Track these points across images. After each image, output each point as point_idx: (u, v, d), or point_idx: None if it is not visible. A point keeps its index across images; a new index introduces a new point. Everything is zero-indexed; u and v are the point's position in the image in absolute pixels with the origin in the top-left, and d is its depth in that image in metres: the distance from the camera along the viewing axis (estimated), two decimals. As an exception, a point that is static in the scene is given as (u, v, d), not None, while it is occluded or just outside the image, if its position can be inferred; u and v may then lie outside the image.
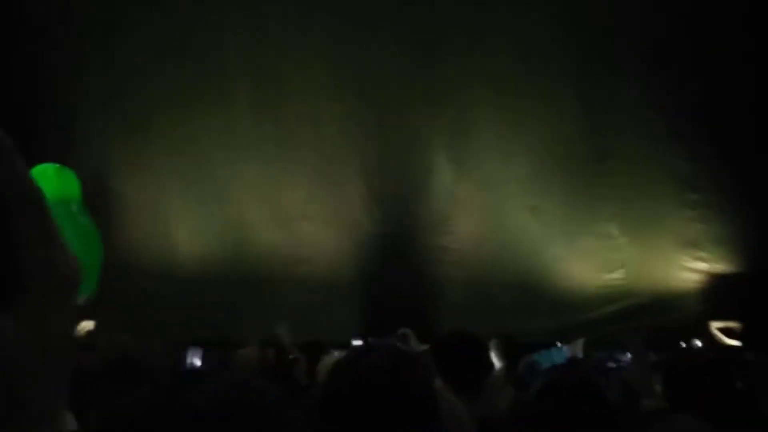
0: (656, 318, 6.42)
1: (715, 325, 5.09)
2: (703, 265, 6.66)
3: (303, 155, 7.07)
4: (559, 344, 4.50)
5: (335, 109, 7.07)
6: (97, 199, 6.45)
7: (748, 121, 6.41)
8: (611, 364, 3.68)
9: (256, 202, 7.09)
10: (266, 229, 7.01)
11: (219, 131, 7.08)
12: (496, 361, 3.86)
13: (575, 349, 3.86)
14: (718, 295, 6.36)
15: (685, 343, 5.22)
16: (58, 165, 2.22)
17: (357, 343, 5.32)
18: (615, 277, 6.81)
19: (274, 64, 7.00)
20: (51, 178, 2.20)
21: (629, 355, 3.53)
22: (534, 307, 6.76)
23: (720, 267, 6.61)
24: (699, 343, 5.17)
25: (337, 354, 4.18)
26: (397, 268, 6.86)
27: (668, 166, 6.79)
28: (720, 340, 4.88)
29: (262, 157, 7.09)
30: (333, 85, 7.06)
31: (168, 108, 7.03)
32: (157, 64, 6.93)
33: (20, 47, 6.60)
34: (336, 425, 1.16)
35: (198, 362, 4.66)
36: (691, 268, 6.69)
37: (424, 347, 2.19)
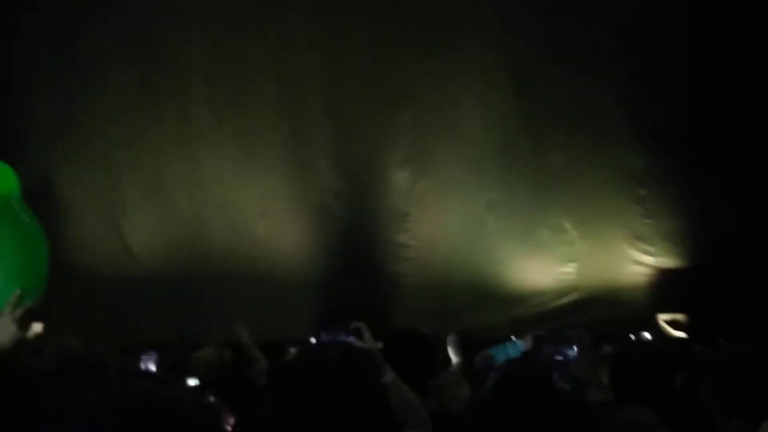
0: (606, 310, 6.60)
1: (662, 317, 5.25)
2: (651, 259, 6.88)
3: (261, 153, 7.02)
4: (513, 338, 4.59)
5: (294, 108, 7.04)
6: (47, 199, 6.30)
7: (698, 119, 6.64)
8: (558, 358, 3.78)
9: (213, 200, 7.00)
10: (224, 227, 6.93)
11: (176, 129, 6.98)
12: (454, 357, 3.91)
13: (527, 343, 3.95)
14: (665, 289, 6.58)
15: (634, 335, 5.37)
16: None
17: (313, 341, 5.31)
18: (567, 270, 6.98)
19: (231, 61, 6.95)
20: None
21: (575, 349, 3.64)
22: (490, 301, 6.87)
23: (667, 261, 6.84)
24: (647, 335, 5.33)
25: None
26: (355, 265, 6.87)
27: (619, 161, 7.00)
28: (667, 331, 5.04)
29: (219, 155, 7.01)
30: (292, 83, 7.04)
31: (123, 105, 6.89)
32: (112, 61, 6.81)
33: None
34: (288, 421, 1.18)
35: (152, 366, 4.57)
36: (639, 262, 6.90)
37: (379, 343, 2.21)
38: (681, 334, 5.04)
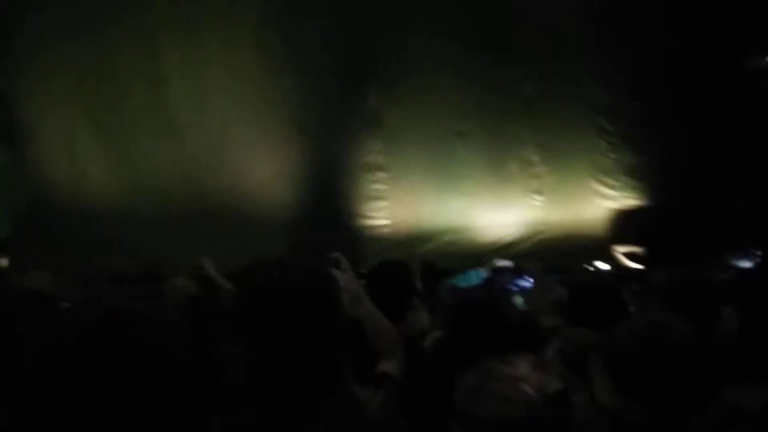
0: (569, 242, 6.79)
1: (619, 250, 5.42)
2: (613, 194, 7.06)
3: (224, 82, 6.87)
4: (477, 268, 4.73)
5: (258, 38, 6.87)
6: (14, 133, 6.15)
7: (665, 57, 6.67)
8: (513, 287, 3.92)
9: (176, 132, 6.88)
10: (187, 160, 6.84)
11: (139, 58, 6.77)
12: (417, 285, 4.01)
13: (487, 273, 4.09)
14: (625, 222, 6.78)
15: (591, 265, 5.56)
16: None
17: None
18: (533, 202, 7.14)
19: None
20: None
21: (527, 278, 3.79)
22: (456, 231, 7.03)
23: (629, 196, 7.03)
24: (604, 266, 5.52)
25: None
26: (320, 193, 6.91)
27: (587, 96, 7.07)
28: (623, 263, 5.21)
29: (181, 86, 6.85)
30: (259, 8, 6.85)
31: (86, 39, 6.63)
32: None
33: None
34: (260, 349, 1.19)
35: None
36: (602, 195, 7.09)
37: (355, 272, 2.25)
38: (636, 266, 5.24)
